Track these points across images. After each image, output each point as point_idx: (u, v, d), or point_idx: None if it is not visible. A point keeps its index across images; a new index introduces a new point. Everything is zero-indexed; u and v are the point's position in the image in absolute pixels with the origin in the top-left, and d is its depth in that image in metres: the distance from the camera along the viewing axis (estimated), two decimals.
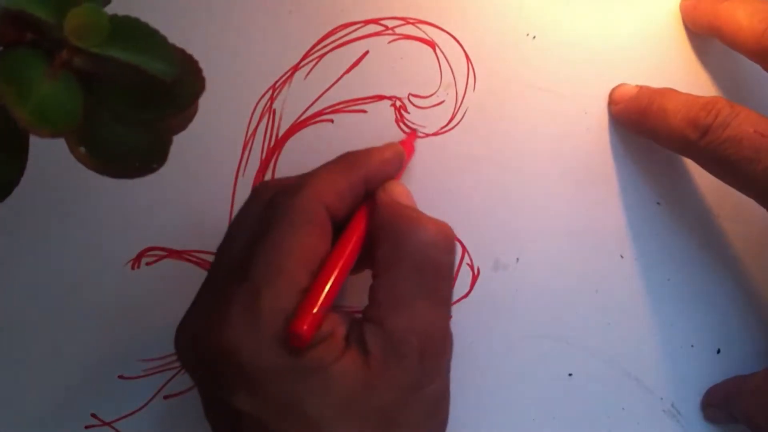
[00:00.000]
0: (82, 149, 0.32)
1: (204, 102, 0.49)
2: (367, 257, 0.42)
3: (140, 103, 0.33)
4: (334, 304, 0.39)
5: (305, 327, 0.36)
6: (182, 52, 0.34)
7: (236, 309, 0.37)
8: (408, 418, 0.39)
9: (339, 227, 0.42)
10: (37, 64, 0.30)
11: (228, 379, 0.37)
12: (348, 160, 0.43)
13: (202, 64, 0.49)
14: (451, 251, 0.41)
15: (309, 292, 0.38)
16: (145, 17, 0.49)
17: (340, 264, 0.39)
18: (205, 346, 0.38)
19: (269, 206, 0.40)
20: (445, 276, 0.41)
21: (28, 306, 0.48)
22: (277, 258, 0.38)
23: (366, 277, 0.43)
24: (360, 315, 0.41)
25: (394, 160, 0.44)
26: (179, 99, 0.34)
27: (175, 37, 0.49)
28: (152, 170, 0.35)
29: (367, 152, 0.43)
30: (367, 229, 0.42)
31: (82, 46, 0.30)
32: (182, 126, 0.37)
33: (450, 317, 0.42)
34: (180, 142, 0.48)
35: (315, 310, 0.37)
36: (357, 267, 0.42)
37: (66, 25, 0.30)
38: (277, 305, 0.37)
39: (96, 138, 0.33)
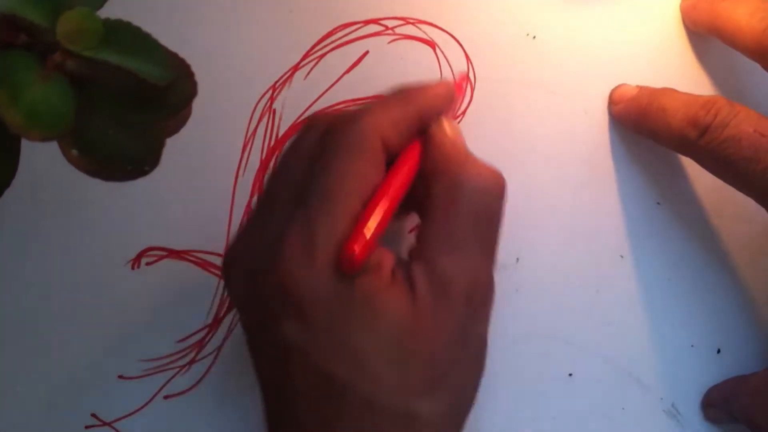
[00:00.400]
0: (75, 152, 0.32)
1: (204, 102, 0.49)
2: (414, 196, 0.42)
3: (133, 106, 0.33)
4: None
5: (357, 251, 0.36)
6: (175, 56, 0.34)
7: (294, 238, 0.37)
8: (450, 360, 0.39)
9: (391, 161, 0.42)
10: (29, 66, 0.30)
11: (279, 309, 0.37)
12: (404, 93, 0.42)
13: (202, 64, 0.49)
14: (504, 197, 0.42)
15: (361, 218, 0.38)
16: (145, 17, 0.49)
17: (392, 193, 0.39)
18: (260, 278, 0.38)
19: (326, 134, 0.40)
20: (497, 222, 0.41)
21: (28, 306, 0.48)
22: (332, 185, 0.38)
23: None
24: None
25: (447, 96, 0.43)
26: (172, 103, 0.34)
27: (175, 36, 0.49)
28: (144, 173, 0.35)
29: (422, 87, 0.43)
30: (419, 164, 0.42)
31: (74, 49, 0.30)
32: (176, 129, 0.37)
33: (494, 267, 0.42)
34: (180, 141, 0.48)
35: (367, 236, 0.37)
36: (403, 207, 0.42)
37: (58, 28, 0.30)
38: (332, 232, 0.37)
39: (88, 141, 0.33)
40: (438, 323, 0.38)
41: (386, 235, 0.39)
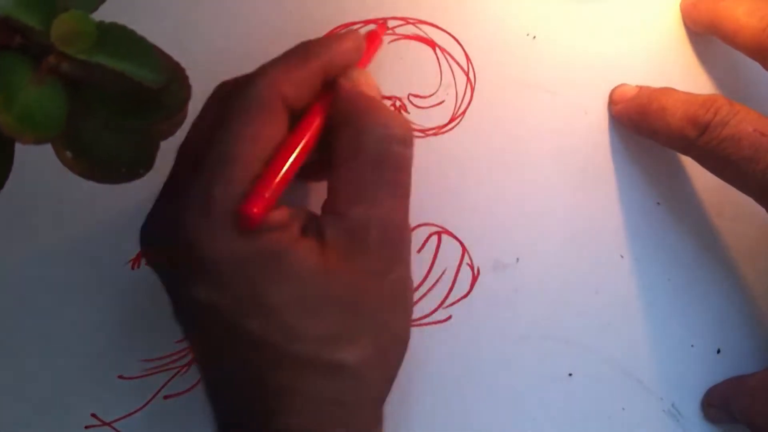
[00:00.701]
0: (69, 154, 0.32)
1: (200, 103, 0.49)
2: (326, 150, 0.42)
3: (127, 109, 0.33)
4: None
5: (254, 207, 0.36)
6: (170, 59, 0.34)
7: (191, 198, 0.37)
8: (369, 304, 0.39)
9: (299, 117, 0.41)
10: (23, 69, 0.30)
11: (187, 271, 0.37)
12: (305, 48, 0.42)
13: (202, 65, 0.50)
14: (410, 144, 0.41)
15: (260, 176, 0.38)
16: (145, 17, 0.49)
17: (295, 150, 0.39)
18: (163, 239, 0.38)
19: (224, 98, 0.40)
20: (405, 168, 0.41)
21: (28, 306, 0.49)
22: (229, 146, 0.38)
23: None
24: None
25: (355, 49, 0.43)
26: (166, 106, 0.34)
27: (176, 37, 0.49)
28: (139, 176, 0.35)
29: (326, 40, 0.42)
30: (326, 117, 0.41)
31: (68, 52, 0.30)
32: (170, 132, 0.37)
33: (408, 210, 0.41)
34: (181, 141, 0.48)
35: (266, 193, 0.37)
36: (317, 167, 0.42)
37: (53, 31, 0.30)
38: (230, 191, 0.37)
39: (82, 143, 0.33)
40: (351, 271, 0.38)
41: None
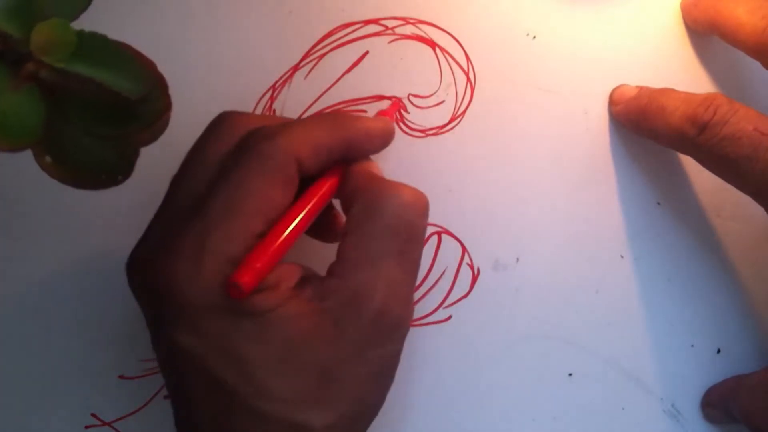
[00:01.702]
0: (48, 159, 0.32)
1: (204, 102, 0.49)
2: (327, 226, 0.42)
3: (105, 117, 0.33)
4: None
5: (246, 279, 0.36)
6: (152, 69, 0.34)
7: (185, 244, 0.37)
8: (349, 376, 0.38)
9: (305, 185, 0.41)
10: (1, 75, 0.30)
11: (171, 313, 0.37)
12: (336, 120, 0.41)
13: (202, 65, 0.50)
14: (425, 215, 0.41)
15: (258, 244, 0.37)
16: (145, 17, 0.49)
17: (297, 219, 0.39)
18: (151, 276, 0.38)
19: (240, 145, 0.40)
20: (417, 239, 0.41)
21: (28, 306, 0.48)
22: (235, 200, 0.37)
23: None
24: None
25: (382, 136, 0.43)
26: (145, 116, 0.34)
27: (176, 37, 0.49)
28: (117, 183, 0.35)
29: (357, 119, 0.42)
30: (334, 189, 0.41)
31: (47, 60, 0.30)
32: (151, 139, 0.37)
33: (415, 285, 0.41)
34: (181, 141, 0.48)
35: (259, 264, 0.37)
36: (319, 233, 0.42)
37: (32, 39, 0.30)
38: (226, 248, 0.37)
39: (62, 148, 0.33)
40: (339, 337, 0.38)
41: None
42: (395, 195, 0.40)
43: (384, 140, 0.43)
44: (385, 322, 0.39)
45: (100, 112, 0.34)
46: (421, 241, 0.41)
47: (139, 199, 0.49)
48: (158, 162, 0.44)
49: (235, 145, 0.40)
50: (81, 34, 0.31)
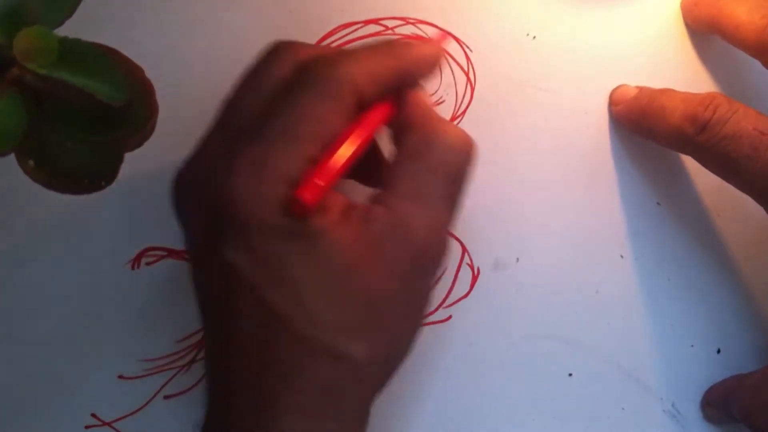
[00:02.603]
0: (31, 162, 0.33)
1: (205, 102, 0.49)
2: (369, 165, 0.42)
3: (88, 124, 0.34)
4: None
5: (308, 196, 0.36)
6: (137, 75, 0.35)
7: (245, 162, 0.37)
8: (389, 306, 0.39)
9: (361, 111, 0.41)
10: None
11: (227, 230, 0.37)
12: (392, 48, 0.42)
13: (202, 64, 0.50)
14: (473, 163, 0.41)
15: (318, 162, 0.38)
16: (145, 17, 0.49)
17: (354, 142, 0.39)
18: (207, 191, 0.38)
19: (300, 70, 0.40)
20: (463, 184, 0.41)
21: (27, 305, 0.48)
22: (295, 123, 0.38)
23: None
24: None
25: (433, 60, 0.43)
26: (128, 123, 0.34)
27: (176, 37, 0.49)
28: (100, 188, 0.36)
29: (411, 46, 0.42)
30: (387, 119, 0.42)
31: (30, 67, 0.30)
32: (136, 145, 0.37)
33: (451, 226, 0.41)
34: (181, 141, 0.48)
35: (321, 182, 0.37)
36: (369, 168, 0.42)
37: (15, 45, 0.30)
38: (286, 169, 0.37)
39: (44, 153, 0.33)
40: (384, 266, 0.38)
41: None
42: (449, 136, 0.40)
43: (434, 65, 0.43)
44: (426, 258, 0.39)
45: (84, 117, 0.34)
46: (466, 186, 0.41)
47: (140, 199, 0.49)
48: (144, 167, 0.44)
49: (295, 71, 0.40)
50: (64, 41, 0.31)
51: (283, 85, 0.40)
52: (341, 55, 0.40)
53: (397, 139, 0.41)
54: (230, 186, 0.37)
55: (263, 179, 0.37)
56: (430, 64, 0.43)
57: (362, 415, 0.40)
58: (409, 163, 0.40)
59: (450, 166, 0.40)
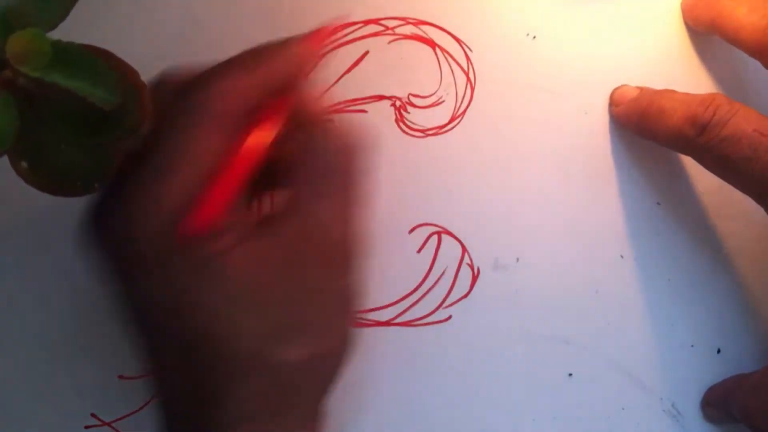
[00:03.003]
0: (24, 164, 0.33)
1: None
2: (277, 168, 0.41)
3: (81, 126, 0.34)
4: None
5: (197, 223, 0.36)
6: (130, 78, 0.34)
7: (134, 195, 0.37)
8: (311, 310, 0.39)
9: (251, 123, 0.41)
10: None
11: (130, 267, 0.37)
12: (254, 54, 0.41)
13: (202, 64, 0.49)
14: (357, 152, 0.41)
15: (204, 188, 0.37)
16: (145, 17, 0.49)
17: (241, 161, 0.39)
18: (105, 230, 0.38)
19: (174, 97, 0.39)
20: (352, 175, 0.41)
21: (28, 305, 0.48)
22: (171, 154, 0.37)
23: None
24: None
25: (305, 55, 0.42)
26: (121, 126, 0.34)
27: (176, 37, 0.49)
28: (94, 190, 0.35)
29: (284, 47, 0.41)
30: (279, 126, 0.41)
31: (22, 70, 0.30)
32: (130, 147, 0.37)
33: (356, 218, 0.41)
34: None
35: (207, 208, 0.37)
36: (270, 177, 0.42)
37: (7, 48, 0.30)
38: (170, 200, 0.37)
39: (38, 155, 0.33)
40: (297, 272, 0.38)
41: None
42: (325, 134, 0.40)
43: (308, 60, 0.43)
44: (338, 254, 0.40)
45: (77, 120, 0.34)
46: (358, 177, 0.41)
47: None
48: None
49: (170, 98, 0.40)
50: (57, 44, 0.31)
51: (164, 112, 0.39)
52: (210, 73, 0.40)
53: (288, 141, 0.41)
54: (124, 227, 0.37)
55: (152, 216, 0.37)
56: (306, 63, 0.42)
57: (312, 415, 0.40)
58: (291, 172, 0.40)
59: (332, 164, 0.40)
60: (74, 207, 0.49)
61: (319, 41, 0.45)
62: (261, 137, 0.40)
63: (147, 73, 0.37)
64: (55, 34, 0.33)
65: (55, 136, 0.34)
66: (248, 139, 0.40)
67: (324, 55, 0.49)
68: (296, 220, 0.39)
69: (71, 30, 0.34)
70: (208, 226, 0.37)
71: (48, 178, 0.34)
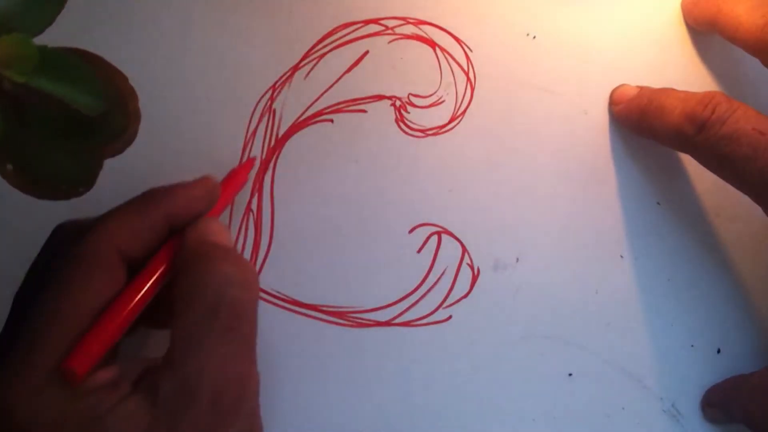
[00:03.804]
0: (9, 166, 0.33)
1: (204, 102, 0.49)
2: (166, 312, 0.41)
3: (67, 131, 0.34)
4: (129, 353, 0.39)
5: (76, 364, 0.36)
6: (117, 83, 0.35)
7: (10, 363, 0.36)
8: None
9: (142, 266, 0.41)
10: None
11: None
12: (148, 197, 0.41)
13: (202, 64, 0.50)
14: (250, 289, 0.40)
15: (88, 332, 0.37)
16: (144, 16, 0.49)
17: (125, 305, 0.38)
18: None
19: (58, 250, 0.39)
20: (244, 314, 0.39)
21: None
22: (53, 304, 0.37)
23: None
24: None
25: (205, 197, 0.42)
26: (106, 131, 0.34)
27: (176, 37, 0.49)
28: (78, 194, 0.35)
29: (172, 189, 0.41)
30: (168, 267, 0.41)
31: (8, 75, 0.30)
32: (116, 152, 0.37)
33: (253, 358, 0.40)
34: (181, 142, 0.48)
35: (90, 350, 0.36)
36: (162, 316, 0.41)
37: None
38: (50, 354, 0.36)
39: (23, 157, 0.33)
40: (179, 427, 0.36)
41: None
42: (215, 273, 0.39)
43: (207, 202, 0.42)
44: (224, 404, 0.38)
45: (62, 125, 0.34)
46: (251, 314, 0.40)
47: None
48: (126, 173, 0.44)
49: (53, 250, 0.40)
50: (43, 50, 0.31)
51: (46, 270, 0.39)
52: (95, 221, 0.40)
53: (173, 290, 0.40)
54: (4, 392, 0.36)
55: (30, 376, 0.36)
56: (202, 202, 0.42)
57: None
58: (182, 314, 0.38)
59: (222, 303, 0.38)
60: (52, 212, 0.49)
61: (229, 185, 0.46)
62: (149, 276, 0.40)
63: (138, 77, 0.37)
64: (47, 37, 0.33)
65: (41, 140, 0.34)
66: (136, 279, 0.39)
67: (233, 196, 0.48)
68: (176, 374, 0.37)
69: (64, 33, 0.34)
70: (90, 370, 0.36)
71: (33, 181, 0.34)
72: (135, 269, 0.40)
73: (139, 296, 0.39)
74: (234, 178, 0.47)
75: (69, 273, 0.38)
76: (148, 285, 0.39)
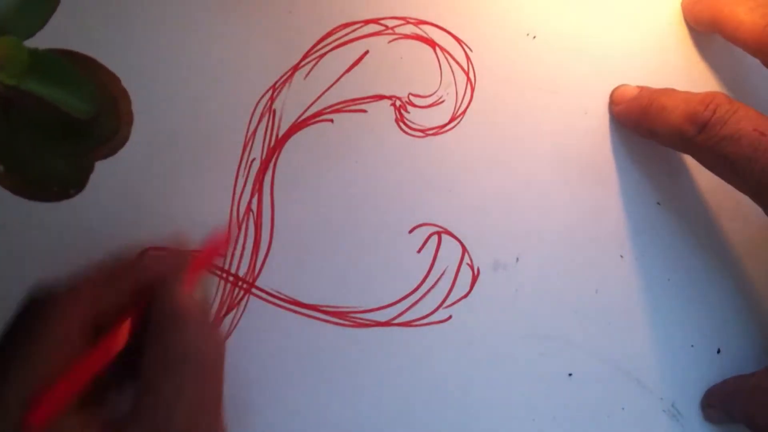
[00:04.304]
0: (1, 168, 0.33)
1: (204, 102, 0.49)
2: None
3: (57, 133, 0.34)
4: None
5: (34, 418, 0.36)
6: (110, 86, 0.35)
7: None
8: None
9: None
10: None
11: None
12: (119, 270, 0.41)
13: (203, 64, 0.50)
14: (216, 348, 0.41)
15: (47, 389, 0.37)
16: (144, 16, 0.49)
17: (82, 364, 0.39)
18: None
19: (26, 317, 0.40)
20: (210, 372, 0.40)
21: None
22: (20, 368, 0.37)
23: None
24: None
25: (174, 268, 0.42)
26: (96, 135, 0.34)
27: (176, 36, 0.49)
28: (69, 196, 0.35)
29: (140, 262, 0.42)
30: (134, 328, 0.41)
31: None
32: (108, 154, 0.37)
33: (221, 413, 0.40)
34: (180, 142, 0.48)
35: (49, 404, 0.37)
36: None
37: None
38: (12, 417, 0.36)
39: (14, 159, 0.33)
40: None
41: None
42: (178, 332, 0.39)
43: (176, 269, 0.43)
44: None
45: (53, 127, 0.34)
46: (218, 372, 0.41)
47: (140, 199, 0.49)
48: (117, 175, 0.44)
49: (21, 316, 0.40)
50: (34, 53, 0.31)
51: (13, 335, 0.39)
52: (64, 292, 0.40)
53: (144, 342, 0.40)
54: None
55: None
56: (171, 267, 0.42)
57: None
58: (145, 373, 0.39)
59: (182, 365, 0.39)
60: (43, 214, 0.49)
61: (198, 258, 0.45)
62: (113, 339, 0.40)
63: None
64: (41, 38, 0.33)
65: (32, 142, 0.34)
66: (100, 342, 0.40)
67: (208, 264, 0.48)
68: (155, 418, 0.38)
69: (57, 33, 0.34)
70: (45, 422, 0.36)
71: (23, 183, 0.34)
72: (105, 327, 0.40)
73: (99, 360, 0.39)
74: (208, 251, 0.47)
75: (32, 342, 0.38)
76: (106, 348, 0.40)
